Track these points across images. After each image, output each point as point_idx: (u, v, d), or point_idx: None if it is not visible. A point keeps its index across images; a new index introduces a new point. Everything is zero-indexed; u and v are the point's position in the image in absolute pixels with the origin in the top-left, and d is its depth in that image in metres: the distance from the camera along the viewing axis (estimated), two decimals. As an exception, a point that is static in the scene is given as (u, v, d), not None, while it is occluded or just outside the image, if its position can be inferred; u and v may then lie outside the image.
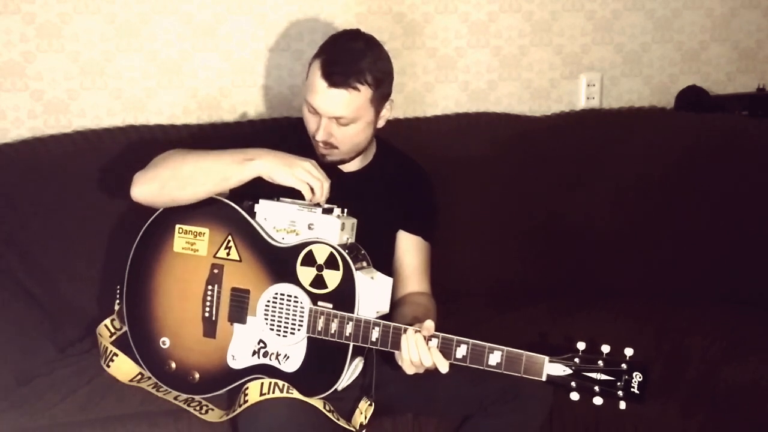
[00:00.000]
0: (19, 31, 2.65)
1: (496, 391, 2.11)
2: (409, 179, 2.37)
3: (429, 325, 2.00)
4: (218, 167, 2.11)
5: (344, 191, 2.18)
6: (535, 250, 2.85)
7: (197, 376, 2.15)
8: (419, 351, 1.98)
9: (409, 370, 2.03)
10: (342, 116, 2.15)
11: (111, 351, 2.26)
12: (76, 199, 2.54)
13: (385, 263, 2.27)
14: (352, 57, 2.14)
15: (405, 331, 2.00)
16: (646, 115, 3.13)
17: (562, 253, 2.86)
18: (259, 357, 2.11)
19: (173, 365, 2.17)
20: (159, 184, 2.14)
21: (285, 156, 2.11)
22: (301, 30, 2.86)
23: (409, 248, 2.35)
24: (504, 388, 2.10)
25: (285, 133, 2.33)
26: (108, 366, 2.27)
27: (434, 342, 1.99)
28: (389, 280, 2.11)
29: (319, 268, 2.07)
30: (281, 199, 2.15)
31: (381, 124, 2.26)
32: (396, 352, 2.03)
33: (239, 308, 2.13)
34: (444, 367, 1.99)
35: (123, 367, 2.24)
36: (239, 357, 2.12)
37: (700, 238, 2.87)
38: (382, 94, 2.20)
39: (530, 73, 3.12)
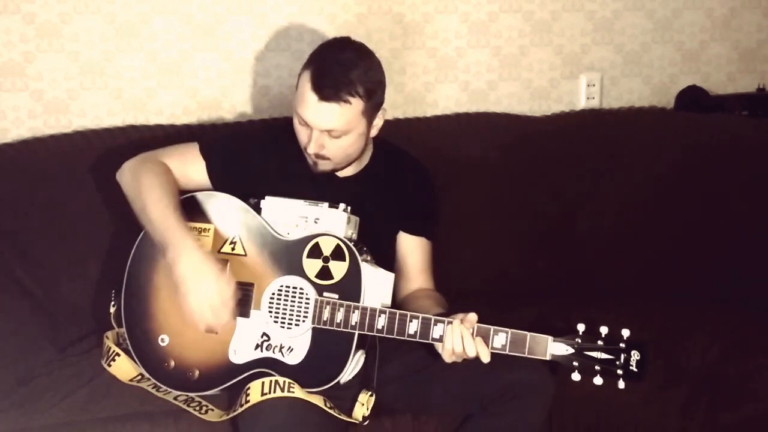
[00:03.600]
0: (19, 31, 2.65)
1: (495, 391, 2.11)
2: (407, 179, 2.37)
3: (472, 318, 2.03)
4: (153, 230, 2.12)
5: (342, 196, 2.19)
6: (534, 249, 2.85)
7: (197, 373, 2.15)
8: (464, 341, 2.01)
9: (449, 359, 2.05)
10: (333, 129, 2.14)
11: (114, 351, 2.26)
12: (76, 199, 2.54)
13: (387, 264, 2.27)
14: (341, 68, 2.11)
15: (448, 323, 2.02)
16: (646, 115, 3.12)
17: (562, 253, 2.86)
18: (261, 350, 2.11)
19: (172, 363, 2.17)
20: (127, 196, 2.20)
21: (199, 267, 2.06)
22: (301, 30, 2.86)
23: (412, 249, 2.36)
24: (504, 388, 2.10)
25: (284, 133, 2.34)
26: (109, 365, 2.27)
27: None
28: (391, 275, 2.15)
29: (326, 260, 2.08)
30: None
31: (374, 133, 2.25)
32: (436, 343, 2.05)
33: (243, 302, 2.14)
34: (486, 356, 2.02)
35: (123, 367, 2.24)
36: (241, 351, 2.13)
37: (700, 238, 2.87)
38: (374, 105, 2.18)
39: (530, 73, 3.12)
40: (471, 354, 2.01)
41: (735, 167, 2.89)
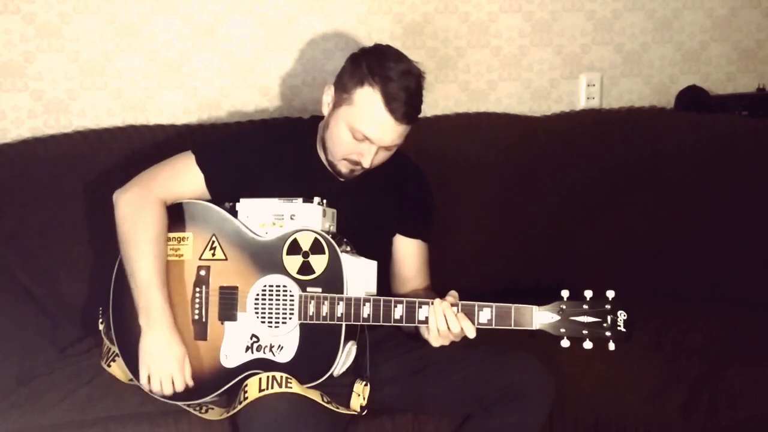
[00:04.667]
0: (19, 31, 2.65)
1: (496, 391, 2.11)
2: (403, 180, 2.36)
3: (454, 294, 2.05)
4: (134, 287, 2.13)
5: (339, 199, 2.19)
6: (534, 249, 2.85)
7: (191, 382, 2.15)
8: (447, 318, 2.02)
9: (436, 342, 2.06)
10: (396, 144, 2.17)
11: (113, 351, 2.25)
12: (76, 199, 2.53)
13: (383, 265, 2.27)
14: (408, 86, 2.11)
15: (431, 303, 2.04)
16: (646, 115, 3.13)
17: (562, 253, 2.86)
18: (252, 352, 2.11)
19: None
20: (118, 232, 2.18)
21: (164, 348, 2.10)
22: (301, 30, 2.86)
23: (410, 252, 2.36)
24: (505, 388, 2.10)
25: (281, 134, 2.33)
26: (109, 366, 2.27)
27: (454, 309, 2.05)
28: (374, 263, 2.15)
29: (305, 255, 2.09)
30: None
31: None
32: (421, 327, 2.06)
33: (229, 305, 2.14)
34: (471, 332, 2.02)
35: (123, 367, 2.24)
36: (232, 355, 2.13)
37: (699, 238, 2.87)
38: None
39: (530, 73, 3.12)
40: (455, 330, 2.02)
41: (735, 167, 2.90)
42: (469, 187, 2.81)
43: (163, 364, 2.10)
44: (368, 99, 2.11)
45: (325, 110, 2.23)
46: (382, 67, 2.12)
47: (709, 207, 2.88)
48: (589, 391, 2.39)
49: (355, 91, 2.13)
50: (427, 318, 2.05)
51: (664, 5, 3.20)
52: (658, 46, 3.23)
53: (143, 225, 2.14)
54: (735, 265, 2.84)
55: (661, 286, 2.84)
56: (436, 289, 2.36)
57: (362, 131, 2.13)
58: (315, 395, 2.06)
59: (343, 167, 2.20)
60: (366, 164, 2.16)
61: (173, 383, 2.11)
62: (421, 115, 2.91)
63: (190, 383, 2.13)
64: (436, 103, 3.03)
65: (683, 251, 2.87)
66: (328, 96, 2.22)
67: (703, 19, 3.25)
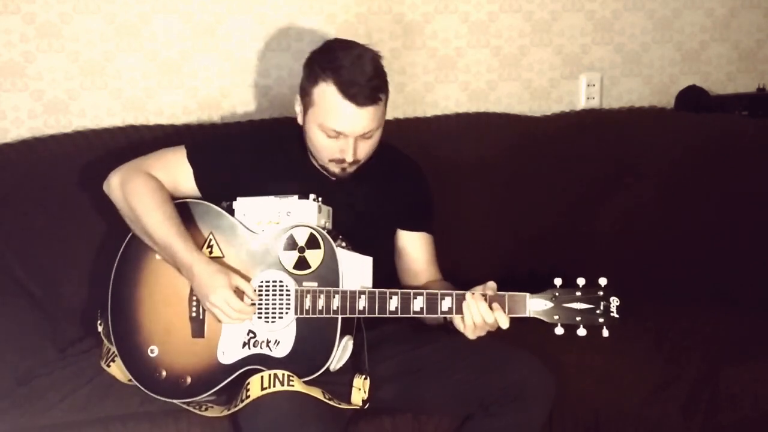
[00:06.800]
0: (19, 31, 2.65)
1: (497, 391, 2.11)
2: (400, 175, 2.36)
3: (492, 285, 2.07)
4: (160, 251, 2.15)
5: (335, 198, 2.19)
6: (534, 249, 2.85)
7: (189, 379, 2.15)
8: (480, 310, 2.03)
9: (472, 334, 2.07)
10: (371, 130, 2.15)
11: (113, 351, 2.26)
12: (76, 199, 2.53)
13: (386, 262, 2.27)
14: (362, 69, 2.11)
15: (465, 297, 2.05)
16: (646, 115, 3.13)
17: (561, 253, 2.85)
18: (249, 348, 2.12)
19: (163, 373, 2.17)
20: (123, 213, 2.21)
21: (206, 283, 2.09)
22: (301, 30, 2.86)
23: (416, 246, 2.36)
24: (505, 388, 2.10)
25: (277, 135, 2.33)
26: (108, 366, 2.27)
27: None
28: (369, 259, 2.16)
29: (301, 250, 2.10)
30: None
31: None
32: (456, 318, 2.07)
33: None
34: (505, 322, 2.04)
35: (123, 367, 2.24)
36: (229, 351, 2.14)
37: (699, 238, 2.87)
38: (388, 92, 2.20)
39: (530, 73, 3.12)
40: (490, 320, 2.03)
41: (735, 167, 2.90)
42: (469, 187, 2.81)
43: (219, 301, 2.08)
44: (325, 94, 2.12)
45: (300, 120, 2.23)
46: (332, 60, 2.13)
47: (708, 207, 2.88)
48: (589, 390, 2.39)
49: (313, 91, 2.14)
50: (450, 309, 2.06)
51: (664, 5, 3.20)
52: (658, 46, 3.23)
53: (143, 198, 2.16)
54: (735, 265, 2.84)
55: (661, 286, 2.84)
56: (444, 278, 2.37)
57: (330, 127, 2.13)
58: (317, 393, 2.06)
59: (333, 167, 2.20)
60: (349, 159, 2.16)
61: (232, 308, 2.09)
62: (420, 115, 2.98)
63: (253, 297, 2.11)
64: (436, 103, 3.03)
65: (683, 251, 2.87)
66: (298, 106, 2.23)
67: (703, 19, 3.25)
